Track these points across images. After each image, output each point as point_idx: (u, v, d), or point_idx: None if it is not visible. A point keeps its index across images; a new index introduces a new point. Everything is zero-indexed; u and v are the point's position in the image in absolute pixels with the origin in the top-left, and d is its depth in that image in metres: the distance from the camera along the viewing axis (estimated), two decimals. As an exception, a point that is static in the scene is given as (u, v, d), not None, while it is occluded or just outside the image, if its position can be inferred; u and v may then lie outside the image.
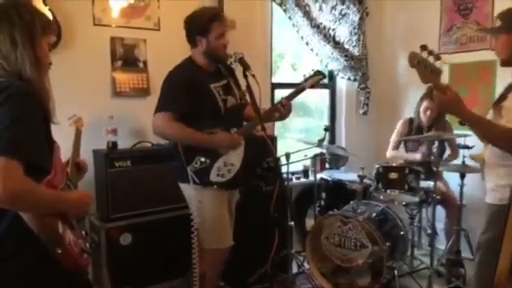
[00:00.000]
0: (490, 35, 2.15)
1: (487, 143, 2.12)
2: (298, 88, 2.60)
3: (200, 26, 2.39)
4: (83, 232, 1.40)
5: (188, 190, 2.42)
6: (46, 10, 2.64)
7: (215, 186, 2.39)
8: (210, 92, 2.43)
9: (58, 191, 1.39)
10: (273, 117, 2.55)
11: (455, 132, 3.35)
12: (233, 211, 2.66)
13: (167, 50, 3.22)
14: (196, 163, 2.36)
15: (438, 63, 1.84)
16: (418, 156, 3.50)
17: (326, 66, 4.16)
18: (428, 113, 3.53)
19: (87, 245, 1.40)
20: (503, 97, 2.08)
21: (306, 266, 3.23)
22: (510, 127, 1.90)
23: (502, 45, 2.05)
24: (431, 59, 1.82)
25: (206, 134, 2.38)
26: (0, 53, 1.32)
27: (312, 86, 2.62)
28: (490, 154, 2.08)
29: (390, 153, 3.76)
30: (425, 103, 3.54)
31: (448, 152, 3.62)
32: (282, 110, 2.50)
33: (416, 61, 1.83)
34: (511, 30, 2.00)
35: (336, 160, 4.09)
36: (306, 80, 2.61)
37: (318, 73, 2.62)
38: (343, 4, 4.07)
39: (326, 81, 4.46)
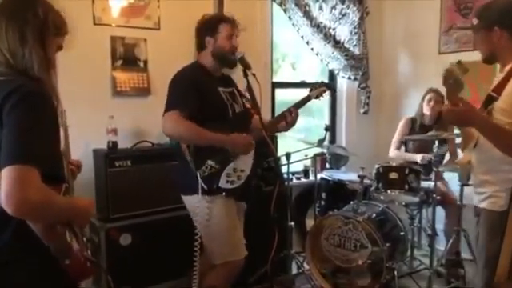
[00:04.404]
0: (472, 33, 2.12)
1: (469, 149, 2.08)
2: (304, 98, 2.67)
3: (209, 26, 2.40)
4: (84, 239, 1.37)
5: (194, 201, 2.30)
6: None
7: (224, 194, 2.30)
8: (218, 94, 2.39)
9: (68, 198, 1.34)
10: (279, 126, 2.55)
11: (455, 132, 3.34)
12: (242, 222, 2.58)
13: (167, 49, 3.23)
14: (206, 168, 2.25)
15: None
16: (418, 158, 3.49)
17: (327, 66, 4.16)
18: (431, 104, 3.52)
19: (89, 252, 1.36)
20: (493, 98, 2.03)
21: (306, 266, 3.23)
22: None
23: (482, 42, 2.01)
24: (460, 73, 1.84)
25: (219, 133, 2.27)
26: (8, 48, 1.24)
27: (317, 97, 2.71)
28: (479, 160, 2.01)
29: (392, 152, 3.75)
30: (429, 95, 3.54)
31: (447, 157, 3.61)
32: (289, 118, 2.50)
33: (451, 80, 1.84)
34: (489, 27, 1.95)
35: (336, 160, 4.08)
36: (311, 90, 2.71)
37: (323, 84, 2.74)
38: (343, 4, 4.07)
39: (326, 80, 4.49)
